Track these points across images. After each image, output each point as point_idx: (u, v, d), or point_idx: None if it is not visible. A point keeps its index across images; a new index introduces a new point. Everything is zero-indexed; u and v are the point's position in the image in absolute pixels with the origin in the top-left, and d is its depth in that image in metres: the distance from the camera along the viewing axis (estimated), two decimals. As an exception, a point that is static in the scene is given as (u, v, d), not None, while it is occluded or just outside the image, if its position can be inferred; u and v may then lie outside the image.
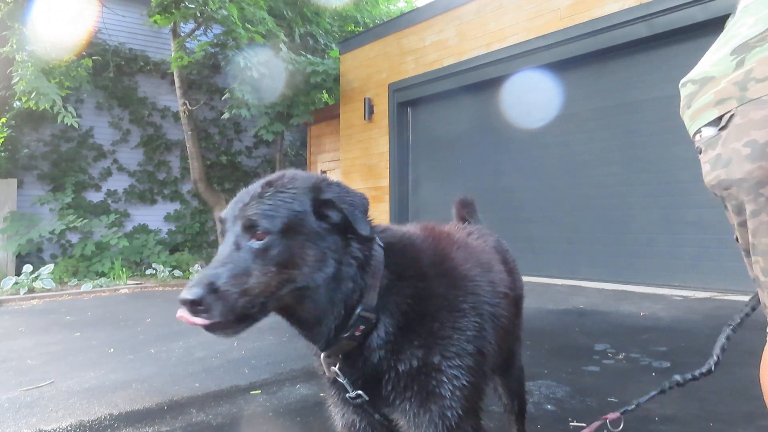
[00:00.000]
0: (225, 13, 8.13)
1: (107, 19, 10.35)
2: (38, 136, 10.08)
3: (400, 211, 8.20)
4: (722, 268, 4.80)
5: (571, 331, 3.62)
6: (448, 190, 7.66)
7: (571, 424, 1.99)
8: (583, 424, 1.98)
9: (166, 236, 11.27)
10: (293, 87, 9.22)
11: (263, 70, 8.53)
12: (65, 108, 7.96)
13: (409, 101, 8.19)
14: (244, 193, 1.08)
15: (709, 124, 1.13)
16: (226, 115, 9.23)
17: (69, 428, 2.09)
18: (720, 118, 1.09)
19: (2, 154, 9.48)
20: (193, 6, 8.54)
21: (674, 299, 4.55)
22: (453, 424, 1.09)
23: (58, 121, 8.07)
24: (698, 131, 1.16)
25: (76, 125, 8.31)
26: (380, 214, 8.46)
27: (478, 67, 7.01)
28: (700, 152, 1.17)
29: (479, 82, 7.07)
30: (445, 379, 1.09)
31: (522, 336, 1.69)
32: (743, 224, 1.08)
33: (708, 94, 1.14)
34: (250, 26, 8.44)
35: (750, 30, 1.07)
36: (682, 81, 1.22)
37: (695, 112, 1.17)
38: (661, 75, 5.35)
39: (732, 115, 1.07)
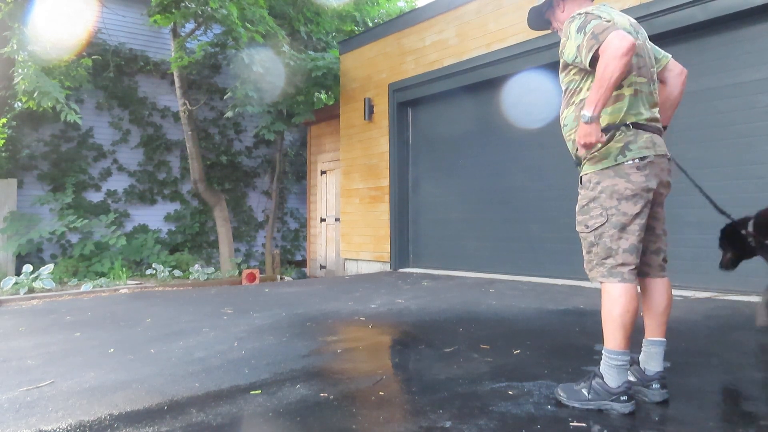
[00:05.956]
0: (225, 12, 8.14)
1: (107, 19, 10.36)
2: (38, 136, 10.09)
3: (400, 211, 8.21)
4: (722, 268, 4.79)
5: (571, 331, 3.62)
6: (448, 190, 7.65)
7: (571, 424, 1.99)
8: (583, 425, 1.98)
9: (166, 236, 11.28)
10: (294, 85, 9.23)
11: (267, 65, 8.55)
12: (68, 106, 7.98)
13: (409, 101, 8.19)
14: None
15: (595, 172, 2.29)
16: (229, 114, 9.22)
17: (69, 428, 2.09)
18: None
19: (2, 154, 9.48)
20: (193, 6, 8.54)
21: (674, 299, 4.54)
22: None
23: (62, 119, 8.09)
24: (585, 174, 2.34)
25: (80, 122, 8.34)
26: (380, 214, 8.46)
27: (478, 67, 7.01)
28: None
29: (479, 82, 7.07)
30: None
31: None
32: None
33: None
34: (250, 25, 8.45)
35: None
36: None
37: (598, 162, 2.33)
38: (661, 75, 5.34)
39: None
